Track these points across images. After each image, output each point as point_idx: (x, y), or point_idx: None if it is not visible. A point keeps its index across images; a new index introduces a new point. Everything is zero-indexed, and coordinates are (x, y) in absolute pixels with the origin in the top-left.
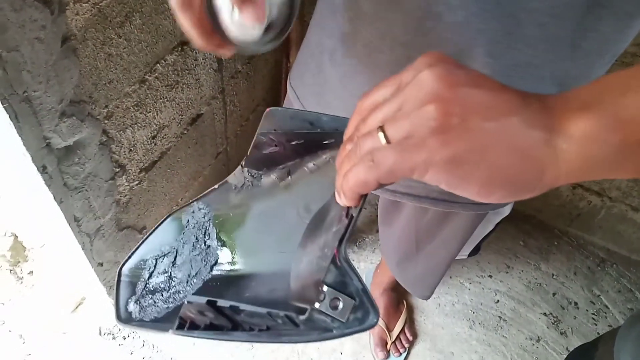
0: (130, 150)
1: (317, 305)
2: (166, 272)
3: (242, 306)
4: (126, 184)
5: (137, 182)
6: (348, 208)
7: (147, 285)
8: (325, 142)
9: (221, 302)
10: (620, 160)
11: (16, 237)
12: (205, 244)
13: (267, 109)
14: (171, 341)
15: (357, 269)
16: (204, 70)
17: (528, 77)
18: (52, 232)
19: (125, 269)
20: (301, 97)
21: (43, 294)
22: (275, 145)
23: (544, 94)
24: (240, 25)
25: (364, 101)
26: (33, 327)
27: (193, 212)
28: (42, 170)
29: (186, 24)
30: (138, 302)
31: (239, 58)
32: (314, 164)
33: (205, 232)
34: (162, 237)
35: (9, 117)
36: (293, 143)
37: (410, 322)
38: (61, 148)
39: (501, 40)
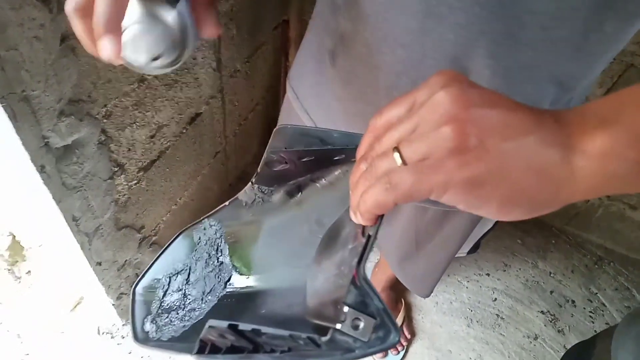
0: (129, 149)
1: (338, 326)
2: (180, 290)
3: (264, 329)
4: (125, 183)
5: (135, 182)
6: (364, 227)
7: (162, 304)
8: (336, 158)
9: (243, 326)
10: (637, 175)
11: (14, 236)
12: (218, 261)
13: (277, 127)
14: None
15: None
16: (203, 69)
17: (529, 77)
18: (50, 231)
19: (139, 288)
20: (301, 98)
21: (41, 294)
22: (286, 163)
23: (559, 110)
24: (127, 49)
25: (378, 119)
26: (31, 326)
27: (204, 229)
28: (41, 169)
29: (78, 30)
30: (154, 322)
31: (237, 57)
32: (325, 180)
33: (217, 249)
34: (174, 254)
35: (8, 116)
36: (304, 160)
37: (409, 320)
38: (60, 147)
39: (503, 43)
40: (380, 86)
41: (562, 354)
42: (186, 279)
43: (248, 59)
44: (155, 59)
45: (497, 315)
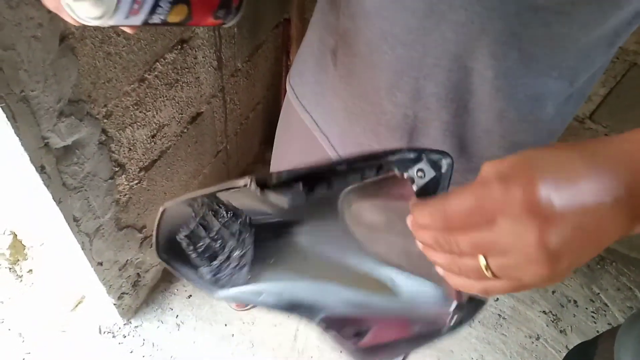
0: (130, 149)
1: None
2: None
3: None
4: (126, 183)
5: (136, 182)
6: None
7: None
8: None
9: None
10: None
11: (15, 235)
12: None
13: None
14: (172, 340)
15: None
16: (204, 68)
17: (531, 74)
18: (51, 231)
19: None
20: (300, 96)
21: (42, 293)
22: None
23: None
24: None
25: (444, 206)
26: (32, 325)
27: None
28: (41, 170)
29: None
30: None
31: (238, 56)
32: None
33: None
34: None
35: (6, 117)
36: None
37: None
38: (60, 148)
39: (505, 41)
40: (381, 85)
41: (564, 354)
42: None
43: (249, 57)
44: None
45: (499, 315)
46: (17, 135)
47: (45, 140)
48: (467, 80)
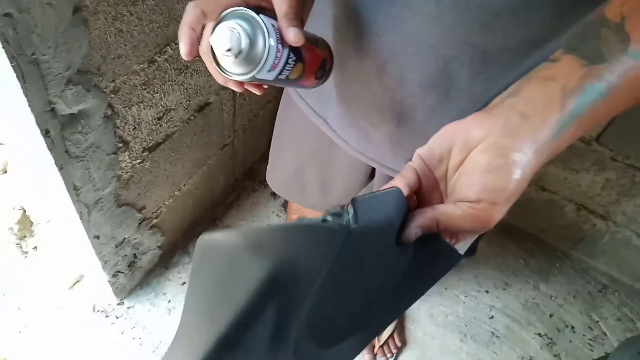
0: (135, 127)
1: None
2: None
3: None
4: (128, 160)
5: (139, 161)
6: None
7: None
8: None
9: None
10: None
11: (24, 211)
12: None
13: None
14: (162, 324)
15: None
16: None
17: (507, 60)
18: (52, 200)
19: None
20: None
21: (44, 270)
22: None
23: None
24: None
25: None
26: (31, 300)
27: None
28: (45, 133)
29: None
30: None
31: None
32: None
33: None
34: None
35: (16, 76)
36: None
37: (401, 329)
38: (65, 115)
39: (477, 31)
40: (370, 70)
41: None
42: None
43: None
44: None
45: (492, 333)
46: (25, 96)
47: (52, 105)
48: (447, 67)
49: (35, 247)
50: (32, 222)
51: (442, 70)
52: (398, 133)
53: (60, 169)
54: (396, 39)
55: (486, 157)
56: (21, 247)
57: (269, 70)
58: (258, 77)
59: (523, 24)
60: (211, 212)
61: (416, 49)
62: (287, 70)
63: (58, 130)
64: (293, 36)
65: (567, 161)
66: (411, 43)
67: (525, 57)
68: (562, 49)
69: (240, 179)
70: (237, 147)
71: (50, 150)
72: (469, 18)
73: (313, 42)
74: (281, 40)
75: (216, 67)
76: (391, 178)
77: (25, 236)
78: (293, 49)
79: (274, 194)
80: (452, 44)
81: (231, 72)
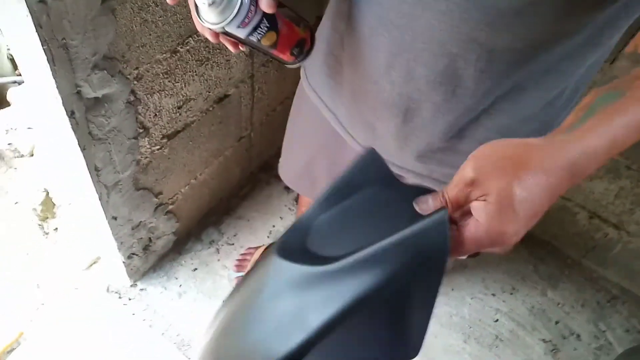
0: (156, 115)
1: None
2: None
3: None
4: (148, 146)
5: (158, 147)
6: None
7: None
8: None
9: None
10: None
11: (48, 193)
12: None
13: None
14: (172, 307)
15: None
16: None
17: (511, 60)
18: (74, 181)
19: None
20: (310, 77)
21: (63, 251)
22: None
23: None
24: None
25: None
26: (50, 279)
27: None
28: (71, 114)
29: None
30: None
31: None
32: None
33: None
34: None
35: (47, 59)
36: None
37: None
38: (90, 98)
39: (483, 28)
40: (380, 65)
41: None
42: None
43: None
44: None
45: (497, 336)
46: (54, 78)
47: (78, 88)
48: (454, 65)
49: (56, 229)
50: (55, 204)
51: (448, 68)
52: (404, 128)
53: (83, 149)
54: (406, 35)
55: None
56: (43, 227)
57: (239, 27)
58: (229, 30)
59: (527, 24)
60: (225, 203)
61: (424, 46)
62: (259, 34)
63: (83, 112)
64: (265, 3)
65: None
66: (420, 39)
67: (530, 59)
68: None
69: (256, 172)
70: (253, 140)
71: (75, 131)
72: (475, 16)
73: (294, 20)
74: (256, 3)
75: (196, 14)
76: (399, 176)
77: (47, 217)
78: (268, 16)
79: (287, 188)
80: (459, 42)
81: (206, 20)
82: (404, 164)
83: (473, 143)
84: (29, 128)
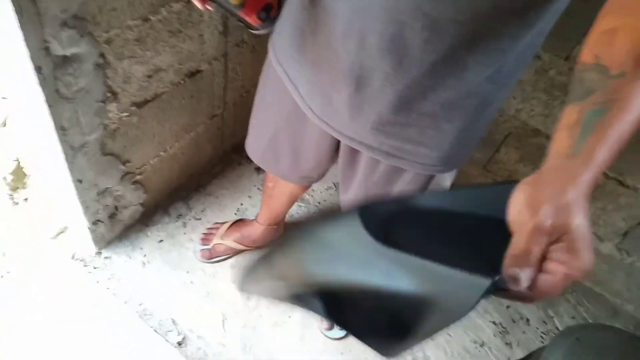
0: (125, 81)
1: None
2: None
3: None
4: (116, 112)
5: (127, 114)
6: None
7: None
8: None
9: None
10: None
11: (19, 162)
12: None
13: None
14: (135, 277)
15: None
16: (209, 29)
17: (455, 33)
18: (42, 141)
19: None
20: (277, 50)
21: (31, 221)
22: None
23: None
24: None
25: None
26: (17, 248)
27: None
28: (38, 70)
29: None
30: None
31: (245, 28)
32: None
33: None
34: None
35: (14, 10)
36: None
37: None
38: (59, 56)
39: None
40: (337, 33)
41: None
42: None
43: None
44: None
45: None
46: (22, 30)
47: (46, 44)
48: (401, 33)
49: (26, 199)
50: (26, 174)
51: (396, 36)
52: (356, 98)
53: (50, 106)
54: (360, 3)
55: (522, 190)
56: (13, 197)
57: None
58: None
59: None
60: (196, 179)
61: (376, 13)
62: None
63: (50, 69)
64: None
65: (537, 161)
66: (372, 7)
67: (472, 33)
68: (564, 106)
69: (228, 151)
70: (226, 120)
71: (42, 87)
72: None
73: None
74: None
75: None
76: (354, 152)
77: (18, 187)
78: None
79: (258, 169)
80: (405, 10)
81: None
82: (357, 136)
83: (421, 117)
84: (3, 98)
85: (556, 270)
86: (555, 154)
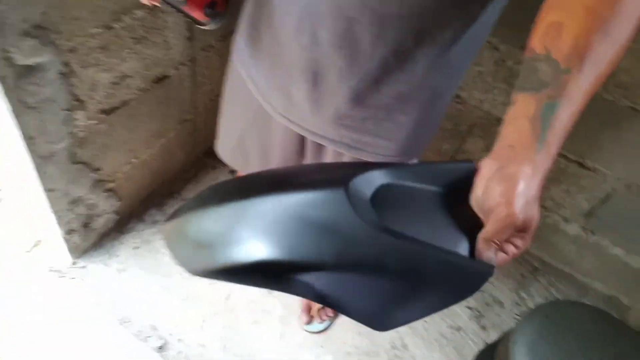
0: (91, 89)
1: None
2: None
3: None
4: (84, 119)
5: (95, 122)
6: None
7: None
8: None
9: None
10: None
11: None
12: None
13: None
14: (113, 285)
15: None
16: (174, 34)
17: (401, 27)
18: (10, 152)
19: None
20: (238, 50)
21: (5, 234)
22: None
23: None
24: None
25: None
26: None
27: None
28: (2, 80)
29: None
30: None
31: (211, 33)
32: None
33: None
34: None
35: None
36: None
37: None
38: (22, 65)
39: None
40: (291, 29)
41: (482, 348)
42: None
43: (223, 38)
44: None
45: None
46: None
47: (8, 54)
48: (351, 29)
49: None
50: None
51: (347, 32)
52: (314, 93)
53: (16, 116)
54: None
55: (494, 179)
56: None
57: None
58: None
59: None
60: (170, 185)
61: (326, 10)
62: None
63: (14, 78)
64: None
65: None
66: (321, 4)
67: (418, 28)
68: (515, 91)
69: (201, 156)
70: (198, 125)
71: (7, 97)
72: None
73: None
74: None
75: None
76: (320, 146)
77: None
78: None
79: (232, 171)
80: (352, 6)
81: None
82: (319, 130)
83: (377, 110)
84: None
85: (510, 250)
86: (520, 145)
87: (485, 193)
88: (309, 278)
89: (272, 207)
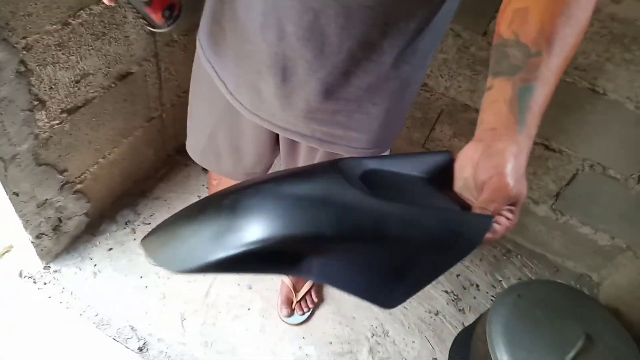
0: (51, 88)
1: None
2: None
3: None
4: (46, 120)
5: (58, 122)
6: None
7: None
8: None
9: None
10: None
11: None
12: None
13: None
14: (88, 288)
15: None
16: (135, 30)
17: (367, 19)
18: None
19: None
20: (204, 48)
21: None
22: None
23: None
24: None
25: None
26: None
27: None
28: None
29: None
30: None
31: (174, 28)
32: None
33: None
34: None
35: None
36: None
37: (318, 286)
38: None
39: None
40: (256, 25)
41: (460, 330)
42: None
43: (187, 32)
44: None
45: None
46: None
47: None
48: (318, 21)
49: None
50: None
51: (313, 24)
52: (283, 88)
53: None
54: None
55: (483, 156)
56: None
57: None
58: None
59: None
60: (141, 184)
61: (291, 3)
62: None
63: None
64: None
65: (470, 135)
66: None
67: (382, 19)
68: (490, 76)
69: (172, 154)
70: (166, 122)
71: None
72: None
73: None
74: None
75: None
76: (293, 141)
77: None
78: None
79: (205, 168)
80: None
81: None
82: (290, 125)
83: (347, 102)
84: None
85: (503, 222)
86: (502, 126)
87: (475, 171)
88: (311, 257)
89: (265, 194)
